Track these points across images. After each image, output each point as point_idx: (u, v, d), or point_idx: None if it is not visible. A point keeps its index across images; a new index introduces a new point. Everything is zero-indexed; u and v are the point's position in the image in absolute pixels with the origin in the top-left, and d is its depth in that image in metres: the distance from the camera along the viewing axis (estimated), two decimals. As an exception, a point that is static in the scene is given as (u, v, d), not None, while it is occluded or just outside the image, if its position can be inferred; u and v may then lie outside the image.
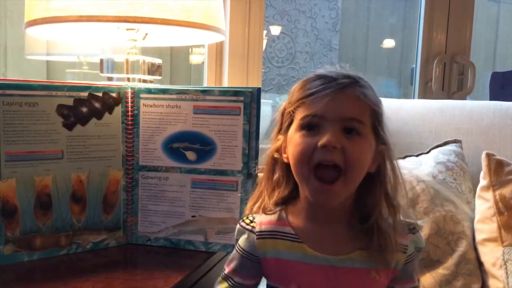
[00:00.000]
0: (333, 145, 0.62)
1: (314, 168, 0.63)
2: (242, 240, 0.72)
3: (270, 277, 0.71)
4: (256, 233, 0.70)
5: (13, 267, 0.79)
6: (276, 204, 0.72)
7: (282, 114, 0.71)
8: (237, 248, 0.72)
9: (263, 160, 0.74)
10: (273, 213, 0.71)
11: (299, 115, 0.66)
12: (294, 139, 0.66)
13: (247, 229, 0.71)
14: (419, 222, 0.71)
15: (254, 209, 0.73)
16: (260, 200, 0.73)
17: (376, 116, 0.67)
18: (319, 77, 0.67)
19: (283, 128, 0.70)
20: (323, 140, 0.62)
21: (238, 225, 0.73)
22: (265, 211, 0.72)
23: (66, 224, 0.85)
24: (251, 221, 0.72)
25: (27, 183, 0.81)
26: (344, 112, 0.64)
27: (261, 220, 0.71)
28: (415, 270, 0.73)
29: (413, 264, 0.72)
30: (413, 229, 0.71)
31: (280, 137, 0.71)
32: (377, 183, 0.68)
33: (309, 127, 0.65)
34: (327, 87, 0.64)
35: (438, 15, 1.83)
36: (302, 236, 0.69)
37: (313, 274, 0.67)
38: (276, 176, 0.72)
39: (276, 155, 0.71)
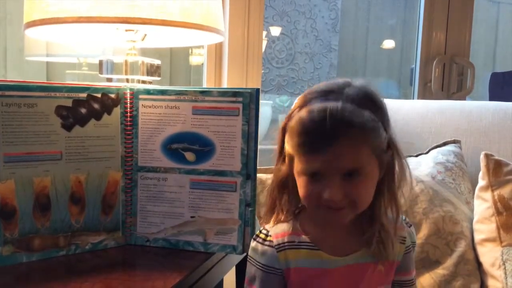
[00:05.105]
0: (335, 200, 0.64)
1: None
2: (259, 257, 0.71)
3: None
4: (275, 247, 0.70)
5: (11, 268, 0.79)
6: (290, 211, 0.73)
7: (283, 133, 0.69)
8: (256, 265, 0.72)
9: (273, 173, 0.74)
10: (288, 221, 0.72)
11: (298, 162, 0.66)
12: (300, 180, 0.67)
13: (265, 245, 0.71)
14: None
15: (270, 221, 0.73)
16: (276, 211, 0.73)
17: (373, 141, 0.65)
18: (306, 127, 0.63)
19: (287, 154, 0.69)
20: (325, 194, 0.64)
21: (253, 242, 0.73)
22: (279, 220, 0.72)
23: (65, 225, 0.85)
24: (267, 235, 0.72)
25: (26, 184, 0.81)
26: (341, 166, 0.63)
27: (276, 232, 0.71)
28: (411, 263, 0.76)
29: (410, 256, 0.75)
30: (407, 222, 0.76)
31: (284, 165, 0.70)
32: (384, 189, 0.70)
33: (311, 175, 0.65)
34: (317, 147, 0.63)
35: (438, 15, 1.83)
36: (317, 243, 0.70)
37: (334, 277, 0.69)
38: (286, 188, 0.72)
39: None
